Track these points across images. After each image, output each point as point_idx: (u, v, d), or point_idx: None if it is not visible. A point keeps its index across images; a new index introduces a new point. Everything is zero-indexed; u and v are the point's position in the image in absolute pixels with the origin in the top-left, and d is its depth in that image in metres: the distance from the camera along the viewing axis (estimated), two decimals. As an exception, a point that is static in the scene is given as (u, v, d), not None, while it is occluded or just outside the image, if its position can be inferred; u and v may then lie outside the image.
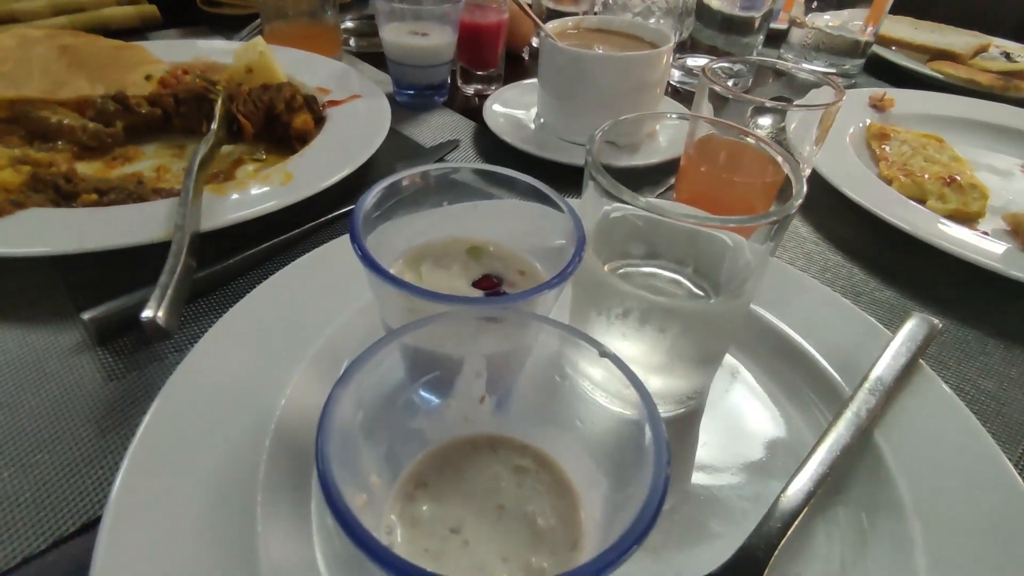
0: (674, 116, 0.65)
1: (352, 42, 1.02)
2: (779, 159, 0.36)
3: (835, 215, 0.65)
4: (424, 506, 0.26)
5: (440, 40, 0.80)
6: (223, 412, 0.35)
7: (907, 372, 0.39)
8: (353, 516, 0.18)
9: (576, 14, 0.98)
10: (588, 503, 0.26)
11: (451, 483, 0.27)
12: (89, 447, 0.37)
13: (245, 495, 0.31)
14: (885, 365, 0.39)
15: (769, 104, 0.50)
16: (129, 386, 0.41)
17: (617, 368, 0.24)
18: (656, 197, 0.55)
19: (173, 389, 0.35)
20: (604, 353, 0.25)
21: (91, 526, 0.33)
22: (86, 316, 0.43)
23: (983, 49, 1.08)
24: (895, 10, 1.14)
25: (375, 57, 0.95)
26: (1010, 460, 0.40)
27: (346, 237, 0.48)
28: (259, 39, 0.76)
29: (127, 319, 0.44)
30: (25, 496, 0.34)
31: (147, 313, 0.38)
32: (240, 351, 0.39)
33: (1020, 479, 0.34)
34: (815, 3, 0.99)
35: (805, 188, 0.32)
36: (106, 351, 0.43)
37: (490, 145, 0.75)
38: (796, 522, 0.31)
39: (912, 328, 0.42)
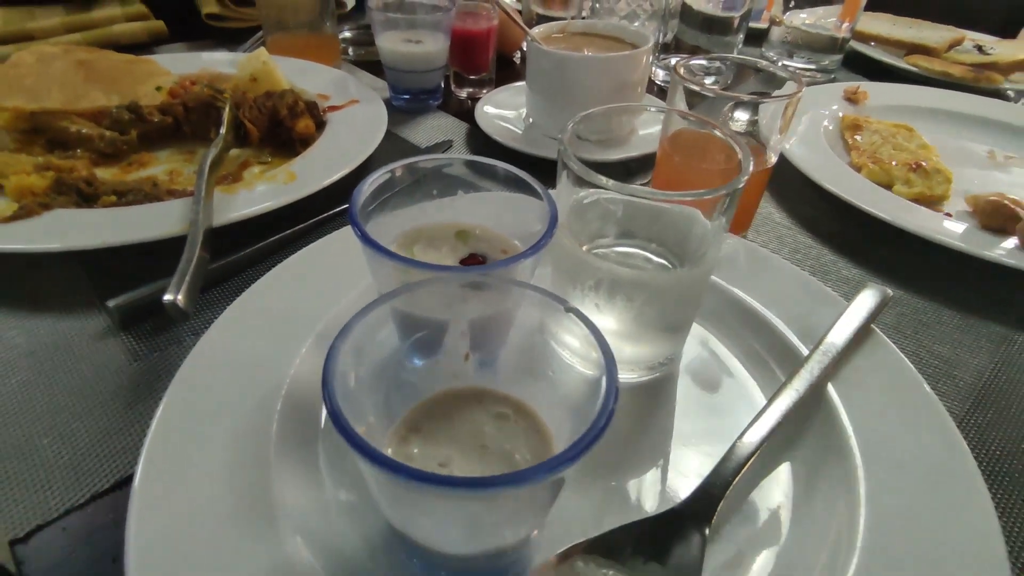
0: (651, 109, 0.69)
1: (350, 51, 1.06)
2: (734, 146, 0.40)
3: (806, 201, 0.69)
4: (416, 448, 0.30)
5: (433, 47, 0.84)
6: (239, 382, 0.39)
7: (860, 336, 0.43)
8: (352, 428, 0.22)
9: (565, 19, 1.02)
10: (559, 441, 0.30)
11: (440, 428, 0.31)
12: (119, 418, 0.41)
13: (260, 451, 0.35)
14: (839, 329, 0.43)
15: (728, 96, 0.54)
16: (152, 365, 0.45)
17: (580, 321, 0.28)
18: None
19: (194, 362, 0.39)
20: (569, 308, 0.28)
21: (123, 484, 0.37)
22: (111, 304, 0.47)
23: (957, 43, 1.12)
24: (877, 7, 1.19)
25: (372, 65, 0.99)
26: (958, 416, 0.44)
27: (346, 230, 0.53)
28: (262, 50, 0.80)
29: (148, 306, 0.48)
30: (64, 460, 0.38)
31: (168, 296, 0.42)
32: (252, 330, 0.43)
33: (953, 424, 0.37)
34: (792, 2, 1.03)
35: (751, 166, 0.36)
36: (130, 335, 0.48)
37: (482, 144, 0.79)
38: (749, 462, 0.35)
39: (865, 297, 0.46)
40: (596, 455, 0.37)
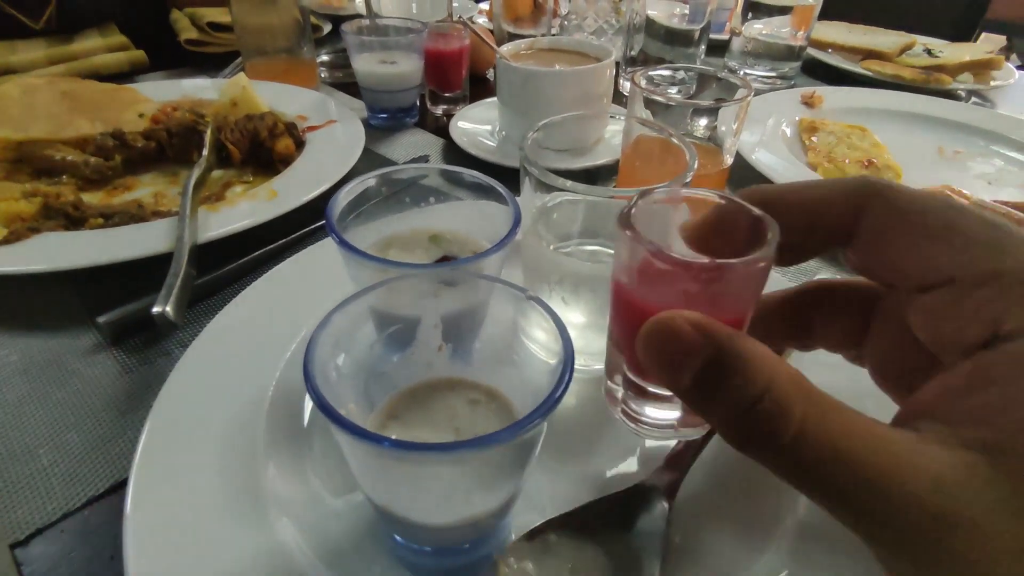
0: (616, 117, 0.72)
1: (328, 74, 1.10)
2: (682, 148, 0.43)
3: (768, 200, 0.73)
4: (394, 434, 0.32)
5: (408, 67, 0.88)
6: (227, 386, 0.41)
7: (811, 320, 0.46)
8: (333, 406, 0.24)
9: (535, 36, 1.06)
10: (526, 420, 0.33)
11: (417, 414, 0.33)
12: (111, 426, 0.43)
13: (249, 448, 0.37)
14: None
15: (683, 103, 0.58)
16: (142, 377, 0.47)
17: (539, 306, 0.31)
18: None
19: (183, 369, 0.41)
20: (529, 296, 0.31)
21: (118, 487, 0.39)
22: (102, 319, 0.49)
23: (908, 47, 1.17)
24: (834, 15, 1.25)
25: (350, 87, 1.02)
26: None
27: (323, 243, 0.55)
28: (242, 75, 0.83)
29: (137, 321, 0.50)
30: (60, 468, 0.40)
31: (157, 308, 0.44)
32: (238, 338, 0.45)
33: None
34: (750, 14, 1.08)
35: (696, 165, 0.39)
36: (120, 350, 0.49)
37: (457, 158, 0.82)
38: (712, 437, 0.37)
39: (816, 284, 0.49)
40: (571, 442, 0.40)
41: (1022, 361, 0.21)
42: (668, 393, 0.31)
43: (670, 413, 0.32)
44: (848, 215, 0.27)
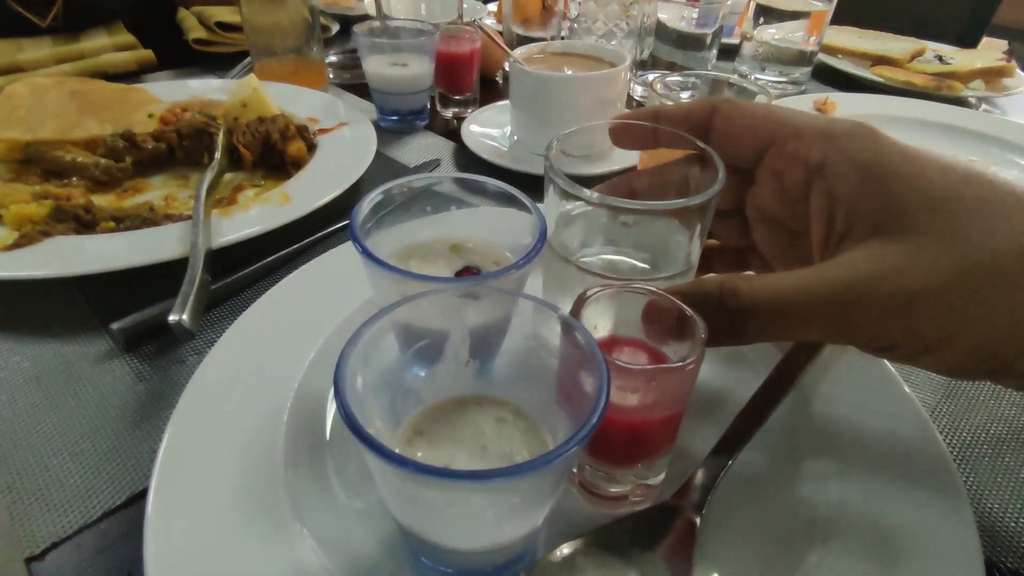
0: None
1: (336, 75, 1.09)
2: (709, 154, 0.42)
3: (783, 208, 0.72)
4: (420, 451, 0.32)
5: (419, 69, 0.87)
6: (245, 397, 0.40)
7: (834, 333, 0.46)
8: (363, 427, 0.23)
9: (544, 38, 1.06)
10: (555, 442, 0.32)
11: (443, 431, 0.33)
12: (126, 436, 0.42)
13: (269, 462, 0.37)
14: (815, 328, 0.46)
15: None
16: (156, 385, 0.46)
17: (574, 327, 0.30)
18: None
19: (201, 379, 0.41)
20: (561, 314, 0.31)
21: (136, 499, 0.38)
22: (115, 326, 0.48)
23: (919, 53, 1.17)
24: (843, 21, 1.24)
25: (359, 88, 1.02)
26: (930, 405, 0.46)
27: (342, 248, 0.55)
28: (252, 76, 0.82)
29: (151, 328, 0.49)
30: (74, 479, 0.39)
31: (174, 316, 0.44)
32: (256, 347, 0.44)
33: (926, 414, 0.40)
34: (762, 19, 1.07)
35: (723, 175, 0.38)
36: (133, 357, 0.49)
37: (469, 162, 0.81)
38: (735, 455, 0.37)
39: (839, 296, 0.49)
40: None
41: (840, 174, 0.33)
42: (621, 470, 0.36)
43: (623, 487, 0.37)
44: (705, 113, 0.40)
